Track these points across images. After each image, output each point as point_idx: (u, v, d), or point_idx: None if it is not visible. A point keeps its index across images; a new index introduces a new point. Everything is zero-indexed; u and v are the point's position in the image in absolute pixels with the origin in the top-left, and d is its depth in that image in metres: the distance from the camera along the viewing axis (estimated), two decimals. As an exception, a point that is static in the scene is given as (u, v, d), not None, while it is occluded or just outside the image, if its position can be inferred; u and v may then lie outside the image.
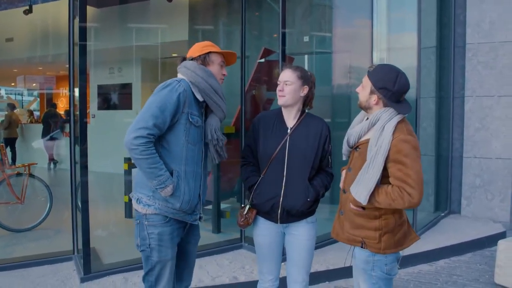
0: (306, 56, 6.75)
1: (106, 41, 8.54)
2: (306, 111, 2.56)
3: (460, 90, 6.11)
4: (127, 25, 8.49)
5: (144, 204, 2.22)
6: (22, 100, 16.35)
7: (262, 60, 5.52)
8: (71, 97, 4.05)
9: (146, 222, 2.22)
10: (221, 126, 2.46)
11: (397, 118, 2.16)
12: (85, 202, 3.65)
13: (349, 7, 6.61)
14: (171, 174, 2.18)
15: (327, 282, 3.97)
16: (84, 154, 3.63)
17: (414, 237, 2.35)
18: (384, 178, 2.15)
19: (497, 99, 5.84)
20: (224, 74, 2.42)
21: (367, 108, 2.26)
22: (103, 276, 3.70)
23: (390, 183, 2.13)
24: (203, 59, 2.33)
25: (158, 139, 2.20)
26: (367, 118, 2.32)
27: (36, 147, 10.17)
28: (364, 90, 2.23)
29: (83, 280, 3.60)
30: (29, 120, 11.52)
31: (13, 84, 13.98)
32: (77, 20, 3.63)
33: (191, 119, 2.23)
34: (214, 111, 2.35)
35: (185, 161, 2.22)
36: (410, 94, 4.99)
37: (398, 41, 6.16)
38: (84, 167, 3.65)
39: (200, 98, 2.28)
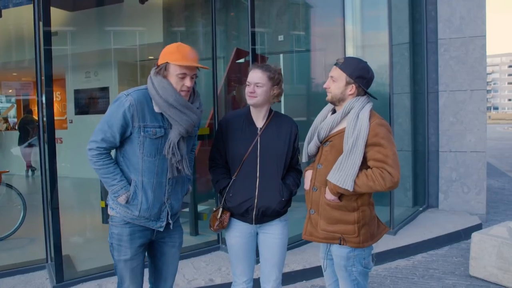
0: (281, 55, 6.75)
1: (81, 45, 8.40)
2: (271, 108, 2.54)
3: (434, 85, 6.18)
4: (102, 28, 8.37)
5: (110, 206, 2.28)
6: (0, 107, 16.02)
7: (242, 60, 5.51)
8: (39, 103, 3.96)
9: (110, 222, 2.30)
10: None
11: (369, 106, 2.24)
12: (55, 209, 3.58)
13: (323, 6, 6.64)
14: (130, 183, 2.21)
15: (304, 281, 3.97)
16: (52, 160, 3.55)
17: (384, 228, 2.41)
18: (361, 165, 2.18)
19: (469, 93, 5.92)
20: (186, 85, 2.17)
21: (340, 100, 2.29)
22: (76, 284, 3.63)
23: (365, 169, 2.18)
24: (160, 69, 2.17)
25: (119, 149, 2.24)
26: (332, 113, 2.34)
27: (15, 154, 9.98)
28: (338, 83, 2.27)
29: (55, 289, 3.54)
30: (4, 127, 11.29)
31: (-13, 91, 13.68)
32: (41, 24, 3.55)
33: (144, 133, 2.16)
34: (173, 125, 2.20)
35: (142, 173, 2.20)
36: (384, 90, 5.07)
37: (371, 39, 6.20)
38: (53, 174, 3.58)
39: (156, 110, 2.19)
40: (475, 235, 4.07)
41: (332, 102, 2.34)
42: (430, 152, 6.29)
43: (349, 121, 2.20)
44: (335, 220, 2.26)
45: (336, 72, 2.28)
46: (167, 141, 2.20)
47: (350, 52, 5.91)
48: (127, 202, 2.19)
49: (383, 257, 4.38)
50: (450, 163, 6.09)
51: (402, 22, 6.08)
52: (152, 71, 2.21)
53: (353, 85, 2.25)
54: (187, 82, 2.17)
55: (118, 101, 2.16)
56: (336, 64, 2.29)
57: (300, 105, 6.44)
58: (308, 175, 2.41)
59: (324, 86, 2.34)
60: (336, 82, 2.27)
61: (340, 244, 2.26)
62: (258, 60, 4.29)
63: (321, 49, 6.49)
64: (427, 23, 6.19)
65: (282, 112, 2.61)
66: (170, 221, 2.33)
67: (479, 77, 5.86)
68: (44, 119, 3.59)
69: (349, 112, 2.24)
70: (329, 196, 2.26)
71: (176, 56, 2.14)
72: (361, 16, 6.42)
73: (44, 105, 3.61)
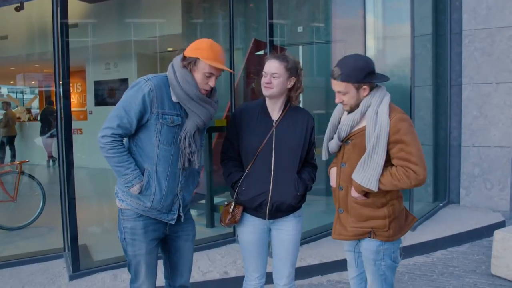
0: (300, 47, 6.66)
1: (101, 37, 8.49)
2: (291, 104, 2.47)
3: (457, 77, 6.00)
4: (122, 19, 8.43)
5: (120, 198, 2.23)
6: (23, 98, 16.38)
7: (261, 52, 5.46)
8: (57, 94, 3.99)
9: (121, 216, 2.24)
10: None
11: (387, 100, 2.16)
12: (72, 199, 3.62)
13: (343, -4, 6.52)
14: (143, 173, 2.15)
15: (319, 276, 3.92)
16: (69, 151, 3.58)
17: (413, 218, 2.37)
18: (386, 163, 2.12)
19: (495, 86, 5.73)
20: (209, 85, 2.18)
21: (358, 105, 2.20)
22: (92, 273, 3.68)
23: (390, 167, 2.13)
24: (188, 62, 2.14)
25: (132, 137, 2.18)
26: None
27: (37, 144, 10.18)
28: (349, 94, 2.17)
29: (71, 278, 3.58)
30: (27, 118, 11.53)
31: (12, 82, 13.98)
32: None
33: (162, 120, 2.13)
34: (191, 116, 2.19)
35: (156, 161, 2.16)
36: (405, 83, 4.95)
37: (392, 30, 6.05)
38: (70, 164, 3.61)
39: (174, 99, 2.17)
40: (497, 233, 3.94)
41: (352, 110, 2.24)
42: (452, 147, 6.13)
43: (369, 119, 2.13)
44: (365, 217, 2.23)
45: (341, 86, 2.16)
46: (183, 130, 2.18)
47: (371, 44, 5.79)
48: (140, 192, 2.15)
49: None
50: (472, 158, 5.93)
51: (425, 13, 5.91)
52: (178, 62, 2.16)
53: (365, 86, 2.16)
54: (212, 82, 2.17)
55: (136, 86, 2.12)
56: (335, 79, 2.17)
57: (319, 97, 6.35)
58: (333, 172, 2.36)
59: (336, 101, 2.25)
60: (347, 94, 2.18)
61: (370, 237, 2.23)
62: (278, 51, 4.22)
63: (341, 41, 6.37)
64: (451, 13, 6.00)
65: (301, 104, 2.52)
66: (181, 214, 2.30)
67: (506, 69, 5.66)
68: (62, 110, 3.62)
69: (367, 110, 2.16)
70: (354, 194, 2.22)
71: (209, 54, 2.12)
72: (382, 6, 6.27)
73: (61, 97, 3.64)
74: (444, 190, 6.17)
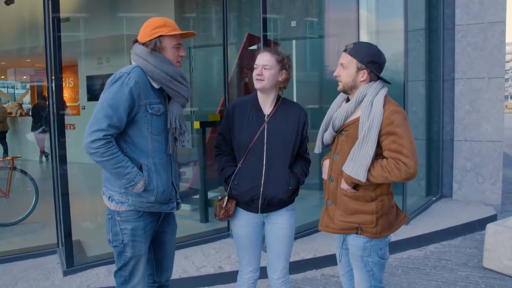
0: (293, 42, 6.65)
1: (93, 31, 8.40)
2: (280, 94, 2.48)
3: (450, 72, 6.02)
4: (114, 14, 8.35)
5: (117, 201, 2.13)
6: (15, 93, 16.21)
7: (255, 47, 5.44)
8: (49, 89, 3.95)
9: (118, 218, 2.14)
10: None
11: (383, 91, 2.15)
12: (65, 194, 3.60)
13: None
14: (141, 168, 2.09)
15: (314, 270, 3.94)
16: (62, 146, 3.56)
17: (404, 217, 2.35)
18: (377, 156, 2.12)
19: (487, 81, 5.76)
20: (180, 56, 2.20)
21: (352, 88, 2.21)
22: (86, 269, 3.67)
23: (381, 159, 2.11)
24: (154, 44, 2.09)
25: (121, 135, 2.09)
26: (347, 101, 2.27)
27: (29, 139, 10.10)
28: (348, 70, 2.18)
29: (66, 274, 3.57)
30: (18, 113, 11.42)
31: (3, 77, 13.83)
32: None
33: (151, 110, 2.10)
34: (174, 98, 2.20)
35: (152, 154, 2.12)
36: (398, 78, 4.96)
37: (386, 25, 6.06)
38: (63, 160, 3.58)
39: (156, 86, 2.14)
40: (489, 227, 3.98)
41: (344, 91, 2.25)
42: (444, 141, 6.17)
43: (363, 109, 2.12)
44: (352, 211, 2.21)
45: (346, 59, 2.18)
46: (169, 114, 2.17)
47: (364, 39, 5.79)
48: (144, 189, 2.08)
49: (394, 247, 4.32)
50: (465, 152, 5.97)
51: (418, 8, 5.92)
52: (142, 49, 2.11)
53: (365, 70, 2.15)
54: (182, 52, 2.20)
55: (119, 80, 2.03)
56: (345, 50, 2.20)
57: (313, 92, 6.35)
58: (325, 164, 2.36)
59: (335, 74, 2.25)
60: (346, 69, 2.18)
61: (357, 234, 2.21)
62: (271, 46, 4.21)
63: (334, 35, 6.36)
64: (444, 8, 6.02)
65: (295, 99, 2.54)
66: (179, 200, 2.30)
67: (498, 64, 5.69)
68: (54, 105, 3.59)
69: (362, 100, 2.15)
70: (344, 185, 2.20)
71: (168, 28, 2.12)
72: (376, 1, 6.28)
73: (54, 92, 3.60)
74: (437, 184, 6.21)
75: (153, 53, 2.10)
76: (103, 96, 2.04)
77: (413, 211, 5.25)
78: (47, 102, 9.94)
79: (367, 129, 2.08)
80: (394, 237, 4.37)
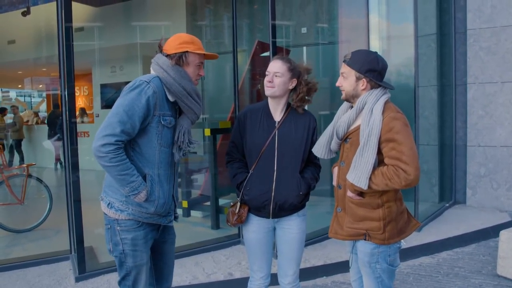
0: (304, 48, 6.66)
1: (107, 40, 8.55)
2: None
3: (462, 77, 5.97)
4: (127, 22, 8.49)
5: (116, 209, 2.12)
6: (31, 102, 16.51)
7: (267, 53, 5.46)
8: (62, 97, 4.03)
9: (118, 227, 2.12)
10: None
11: (383, 98, 2.15)
12: (77, 201, 3.66)
13: (347, -3, 6.51)
14: (144, 178, 2.09)
15: (324, 277, 3.92)
16: (74, 154, 3.62)
17: (415, 223, 2.33)
18: (380, 163, 2.12)
19: (500, 85, 5.69)
20: (200, 75, 2.23)
21: (354, 97, 2.23)
22: (98, 275, 3.71)
23: (382, 166, 2.11)
24: (179, 58, 2.12)
25: (130, 143, 2.09)
26: (352, 108, 2.28)
27: (46, 147, 10.27)
28: (348, 80, 2.20)
29: (78, 280, 3.62)
30: (34, 122, 11.63)
31: (20, 86, 14.11)
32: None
33: (163, 121, 2.10)
34: (186, 113, 2.21)
35: (158, 165, 2.13)
36: (410, 83, 4.94)
37: (396, 30, 6.03)
38: (75, 167, 3.64)
39: (171, 99, 2.15)
40: (503, 233, 3.91)
41: (347, 100, 2.27)
42: (457, 147, 6.10)
43: (363, 117, 2.13)
44: (360, 218, 2.21)
45: (345, 69, 2.21)
46: (179, 128, 2.18)
47: (375, 44, 5.78)
48: (146, 199, 2.07)
49: (406, 254, 4.28)
50: (478, 158, 5.89)
51: (429, 12, 5.89)
52: (165, 61, 2.13)
53: (364, 79, 2.17)
54: (202, 71, 2.23)
55: (138, 88, 2.04)
56: (344, 61, 2.22)
57: (324, 98, 6.34)
58: (335, 171, 2.37)
59: (337, 84, 2.28)
60: (346, 79, 2.21)
61: (365, 239, 2.20)
62: (283, 53, 4.23)
63: (344, 42, 6.36)
64: (456, 12, 5.98)
65: (306, 106, 2.56)
66: (177, 214, 2.32)
67: (511, 68, 5.62)
68: (67, 113, 3.66)
69: (363, 108, 2.16)
70: (349, 193, 2.21)
71: (195, 46, 2.16)
72: (386, 6, 6.26)
73: (66, 100, 3.67)
74: (450, 190, 6.14)
75: (175, 66, 2.12)
76: (119, 101, 2.05)
77: (425, 217, 5.19)
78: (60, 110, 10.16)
79: (367, 136, 2.08)
80: (406, 243, 4.32)
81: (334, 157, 2.44)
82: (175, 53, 2.12)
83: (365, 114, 2.13)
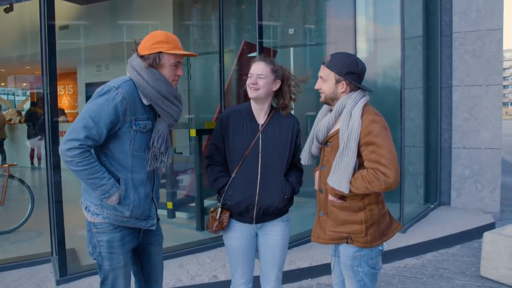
0: (291, 49, 6.66)
1: (92, 38, 8.44)
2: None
3: (448, 79, 6.01)
4: (113, 21, 8.39)
5: (92, 213, 2.08)
6: (15, 100, 16.26)
7: (254, 54, 5.44)
8: (45, 96, 3.94)
9: (94, 230, 2.09)
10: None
11: (362, 101, 2.14)
12: (58, 202, 3.58)
13: (334, -1, 6.52)
14: (119, 181, 2.04)
15: (309, 279, 3.90)
16: (56, 153, 3.54)
17: (397, 226, 2.32)
18: (361, 166, 2.11)
19: (485, 88, 5.75)
20: (178, 75, 2.13)
21: (333, 100, 2.21)
22: (80, 278, 3.63)
23: (362, 169, 2.10)
24: (152, 60, 2.02)
25: (101, 147, 2.04)
26: (331, 111, 2.26)
27: (29, 146, 10.10)
28: (328, 82, 2.19)
29: (58, 283, 3.53)
30: (18, 120, 11.43)
31: (3, 84, 13.87)
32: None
33: (135, 126, 2.03)
34: (162, 117, 2.12)
35: (131, 169, 2.06)
36: (396, 85, 4.95)
37: (383, 32, 6.06)
38: (57, 167, 3.57)
39: (146, 103, 2.07)
40: (487, 235, 3.95)
41: (326, 102, 2.25)
42: (442, 149, 6.15)
43: (342, 121, 2.12)
44: (342, 221, 2.20)
45: (324, 72, 2.19)
46: (155, 132, 2.10)
47: (362, 46, 5.79)
48: (119, 202, 2.02)
49: (391, 256, 4.29)
50: (463, 159, 5.94)
51: (415, 15, 5.93)
52: (139, 63, 2.03)
53: (344, 82, 2.16)
54: (180, 71, 2.12)
55: (106, 94, 1.96)
56: (323, 63, 2.21)
57: (311, 100, 6.34)
58: (316, 175, 2.35)
59: (316, 87, 2.25)
60: (326, 82, 2.19)
61: (347, 243, 2.19)
62: (271, 54, 4.21)
63: (332, 43, 6.37)
64: (442, 15, 6.02)
65: (292, 107, 2.52)
66: (159, 217, 2.27)
67: (495, 71, 5.69)
68: (49, 112, 3.58)
69: (342, 111, 2.15)
70: (330, 197, 2.20)
71: (169, 45, 2.06)
72: (373, 8, 6.28)
73: (48, 99, 3.60)
74: (435, 191, 6.18)
75: (149, 69, 2.03)
76: (87, 105, 1.99)
77: (410, 219, 5.21)
78: (37, 108, 9.97)
79: (346, 140, 2.08)
80: (388, 246, 4.33)
81: (317, 160, 2.42)
82: (149, 54, 2.03)
83: (344, 117, 2.12)
